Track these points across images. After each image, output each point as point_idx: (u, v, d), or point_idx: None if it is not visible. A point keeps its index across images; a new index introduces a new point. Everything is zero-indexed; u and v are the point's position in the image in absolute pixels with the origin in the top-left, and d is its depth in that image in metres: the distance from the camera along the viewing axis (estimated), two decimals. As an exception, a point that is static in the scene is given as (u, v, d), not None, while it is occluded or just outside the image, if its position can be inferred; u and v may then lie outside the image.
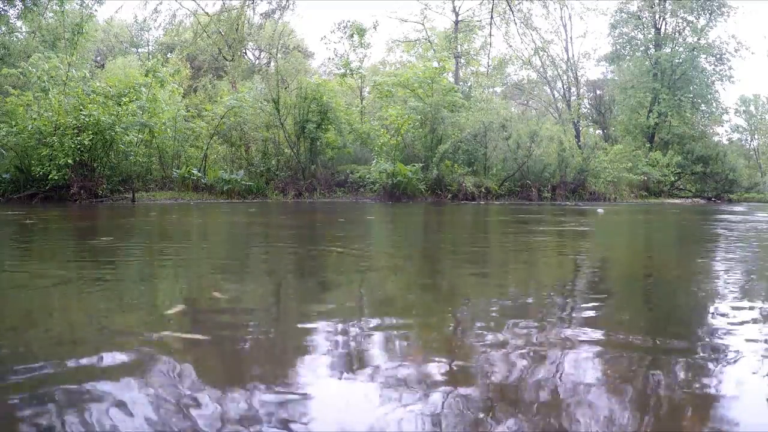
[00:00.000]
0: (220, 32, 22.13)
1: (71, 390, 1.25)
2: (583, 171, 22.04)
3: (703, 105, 31.88)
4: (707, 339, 1.75)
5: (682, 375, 1.43)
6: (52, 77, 14.21)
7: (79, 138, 12.49)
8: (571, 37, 34.79)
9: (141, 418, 1.12)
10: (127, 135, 13.88)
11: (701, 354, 1.59)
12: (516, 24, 29.03)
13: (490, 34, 28.81)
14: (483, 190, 18.87)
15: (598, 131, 34.99)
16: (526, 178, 20.60)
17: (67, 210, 9.86)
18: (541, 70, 33.30)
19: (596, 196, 21.80)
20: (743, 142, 49.97)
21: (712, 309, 2.20)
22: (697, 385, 1.36)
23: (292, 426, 1.11)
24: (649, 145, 28.71)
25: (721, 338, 1.74)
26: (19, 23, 18.67)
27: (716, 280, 3.01)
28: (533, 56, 31.82)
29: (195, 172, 15.96)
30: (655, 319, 2.05)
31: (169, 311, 2.06)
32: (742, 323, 1.92)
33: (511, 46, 31.99)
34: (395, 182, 16.86)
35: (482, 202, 17.52)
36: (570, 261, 3.94)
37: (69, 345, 1.66)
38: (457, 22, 29.72)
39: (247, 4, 21.18)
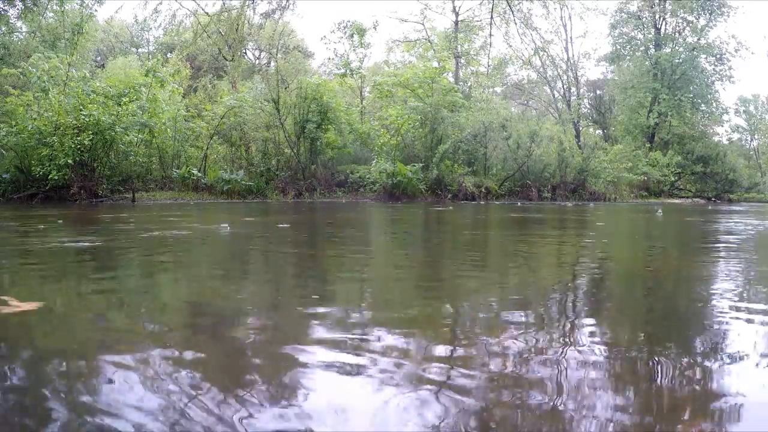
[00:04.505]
0: (220, 32, 22.13)
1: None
2: (583, 171, 22.05)
3: (703, 105, 31.91)
4: None
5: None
6: (52, 77, 14.19)
7: (79, 138, 12.46)
8: (571, 37, 34.82)
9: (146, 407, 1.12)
10: (127, 135, 13.85)
11: None
12: (516, 24, 29.10)
13: (490, 34, 28.86)
14: (483, 190, 18.90)
15: (598, 131, 35.04)
16: (526, 178, 20.61)
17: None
18: (541, 70, 33.34)
19: (596, 196, 21.80)
20: (743, 142, 49.96)
21: None
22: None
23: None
24: (649, 145, 28.74)
25: None
26: (19, 23, 18.65)
27: None
28: (533, 56, 31.87)
29: (195, 172, 15.95)
30: None
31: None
32: None
33: (511, 46, 32.05)
34: (395, 182, 16.86)
35: (482, 202, 17.52)
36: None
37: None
38: (457, 22, 29.70)
39: (247, 4, 21.18)
